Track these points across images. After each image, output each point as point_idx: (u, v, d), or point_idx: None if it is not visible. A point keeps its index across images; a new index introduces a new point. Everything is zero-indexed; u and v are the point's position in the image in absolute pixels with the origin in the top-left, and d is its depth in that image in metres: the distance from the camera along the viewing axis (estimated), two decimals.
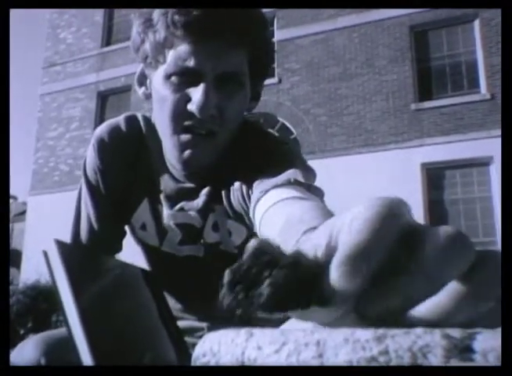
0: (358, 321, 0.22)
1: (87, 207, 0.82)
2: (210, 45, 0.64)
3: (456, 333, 0.17)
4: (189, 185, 0.76)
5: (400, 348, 0.17)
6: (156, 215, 0.80)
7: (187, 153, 0.68)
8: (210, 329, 0.83)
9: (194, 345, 0.23)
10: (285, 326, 0.36)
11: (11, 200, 16.09)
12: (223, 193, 0.73)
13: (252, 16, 0.67)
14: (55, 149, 11.32)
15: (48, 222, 9.02)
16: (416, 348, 0.17)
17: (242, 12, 0.65)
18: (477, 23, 8.51)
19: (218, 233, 0.77)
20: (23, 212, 12.77)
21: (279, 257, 0.22)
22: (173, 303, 0.85)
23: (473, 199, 8.00)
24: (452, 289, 0.21)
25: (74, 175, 10.59)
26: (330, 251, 0.21)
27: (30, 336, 0.81)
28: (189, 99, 0.66)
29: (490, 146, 7.58)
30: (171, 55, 0.65)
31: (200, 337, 0.43)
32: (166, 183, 0.78)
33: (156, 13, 0.65)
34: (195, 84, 0.65)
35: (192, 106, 0.65)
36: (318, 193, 0.60)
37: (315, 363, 0.17)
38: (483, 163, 7.91)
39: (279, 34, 9.53)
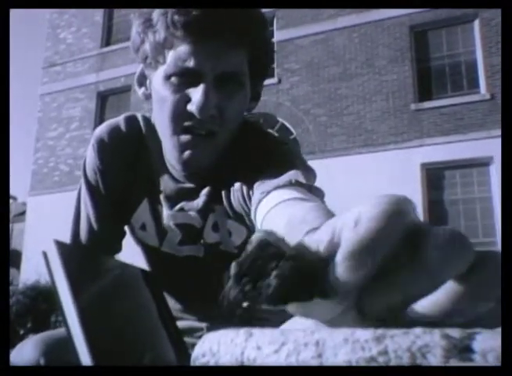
0: (359, 320, 0.22)
1: (86, 208, 0.81)
2: (209, 46, 0.64)
3: (455, 333, 0.17)
4: (188, 185, 0.76)
5: (399, 349, 0.17)
6: (156, 216, 0.80)
7: (187, 153, 0.68)
8: (210, 329, 0.83)
9: (193, 345, 0.23)
10: (285, 326, 0.36)
11: (11, 201, 16.07)
12: (223, 193, 0.73)
13: (252, 16, 0.67)
14: (55, 149, 11.32)
15: (47, 223, 9.02)
16: (415, 348, 0.17)
17: (241, 12, 0.65)
18: (477, 23, 8.51)
19: (218, 233, 0.77)
20: (23, 212, 12.76)
21: (284, 248, 0.22)
22: (173, 303, 0.85)
23: (473, 199, 8.00)
24: (452, 289, 0.21)
25: (74, 175, 10.58)
26: (333, 247, 0.22)
27: (30, 336, 0.81)
28: (188, 100, 0.66)
29: (490, 146, 7.58)
30: (170, 55, 0.65)
31: (200, 337, 0.43)
32: (166, 183, 0.78)
33: (156, 13, 0.65)
34: (195, 84, 0.65)
35: (192, 107, 0.65)
36: (318, 194, 0.60)
37: (314, 363, 0.17)
38: (483, 163, 7.91)
39: (278, 34, 9.52)
